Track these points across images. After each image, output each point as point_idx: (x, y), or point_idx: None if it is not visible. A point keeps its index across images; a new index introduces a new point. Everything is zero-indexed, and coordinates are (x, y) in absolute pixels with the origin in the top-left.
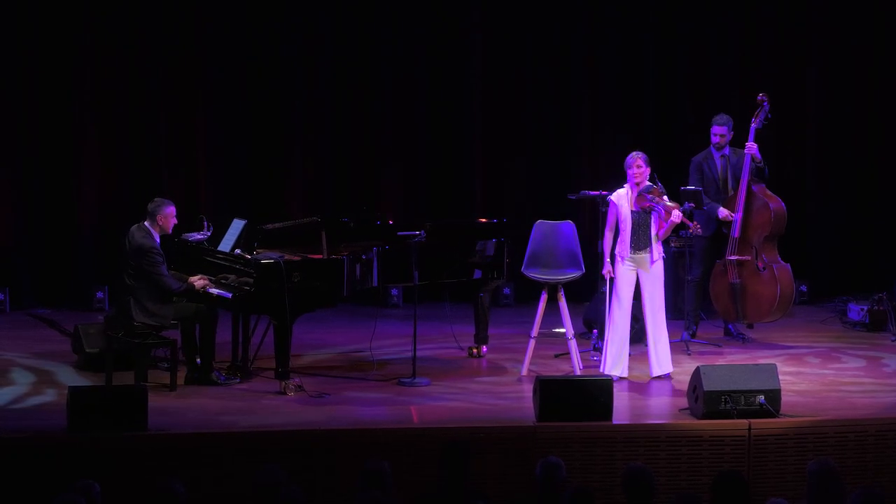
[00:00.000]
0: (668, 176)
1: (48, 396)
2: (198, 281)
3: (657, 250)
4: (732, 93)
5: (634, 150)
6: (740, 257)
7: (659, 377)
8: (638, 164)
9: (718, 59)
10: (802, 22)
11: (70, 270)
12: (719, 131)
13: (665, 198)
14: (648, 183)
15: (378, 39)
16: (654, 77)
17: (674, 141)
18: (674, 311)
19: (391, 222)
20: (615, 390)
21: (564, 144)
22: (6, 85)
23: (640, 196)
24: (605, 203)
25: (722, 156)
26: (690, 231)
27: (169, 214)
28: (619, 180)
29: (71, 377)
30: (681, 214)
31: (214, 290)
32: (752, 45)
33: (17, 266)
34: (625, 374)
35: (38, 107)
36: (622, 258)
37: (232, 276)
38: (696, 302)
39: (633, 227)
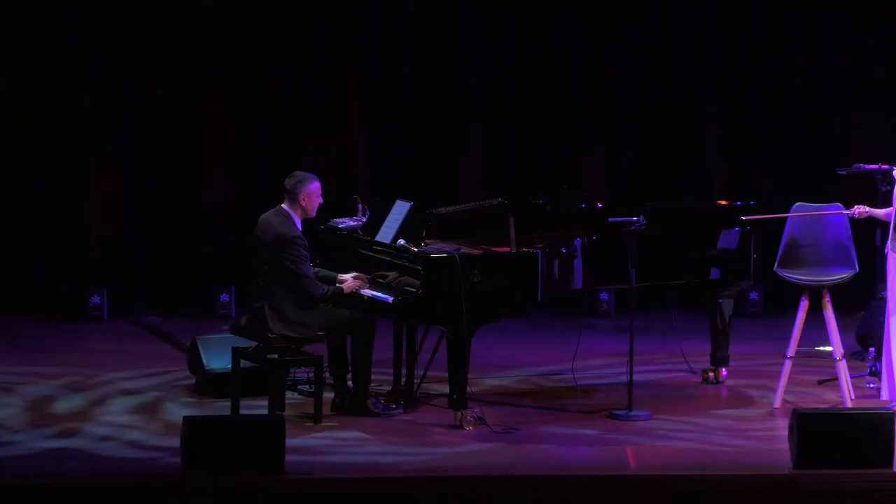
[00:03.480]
0: None
1: (157, 428)
2: (350, 281)
3: None
4: None
5: None
6: None
7: None
8: None
9: None
10: None
11: (185, 267)
12: None
13: None
14: None
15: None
16: None
17: None
18: None
19: (599, 205)
20: None
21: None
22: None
23: None
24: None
25: None
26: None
27: (313, 192)
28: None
29: (186, 404)
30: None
31: (369, 292)
32: None
33: (117, 262)
34: None
35: (140, 69)
36: (892, 247)
37: (393, 275)
38: None
39: None
